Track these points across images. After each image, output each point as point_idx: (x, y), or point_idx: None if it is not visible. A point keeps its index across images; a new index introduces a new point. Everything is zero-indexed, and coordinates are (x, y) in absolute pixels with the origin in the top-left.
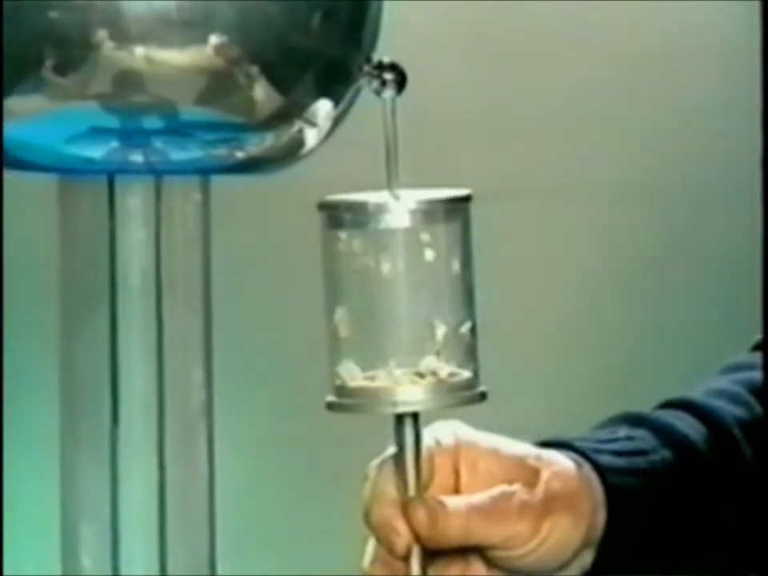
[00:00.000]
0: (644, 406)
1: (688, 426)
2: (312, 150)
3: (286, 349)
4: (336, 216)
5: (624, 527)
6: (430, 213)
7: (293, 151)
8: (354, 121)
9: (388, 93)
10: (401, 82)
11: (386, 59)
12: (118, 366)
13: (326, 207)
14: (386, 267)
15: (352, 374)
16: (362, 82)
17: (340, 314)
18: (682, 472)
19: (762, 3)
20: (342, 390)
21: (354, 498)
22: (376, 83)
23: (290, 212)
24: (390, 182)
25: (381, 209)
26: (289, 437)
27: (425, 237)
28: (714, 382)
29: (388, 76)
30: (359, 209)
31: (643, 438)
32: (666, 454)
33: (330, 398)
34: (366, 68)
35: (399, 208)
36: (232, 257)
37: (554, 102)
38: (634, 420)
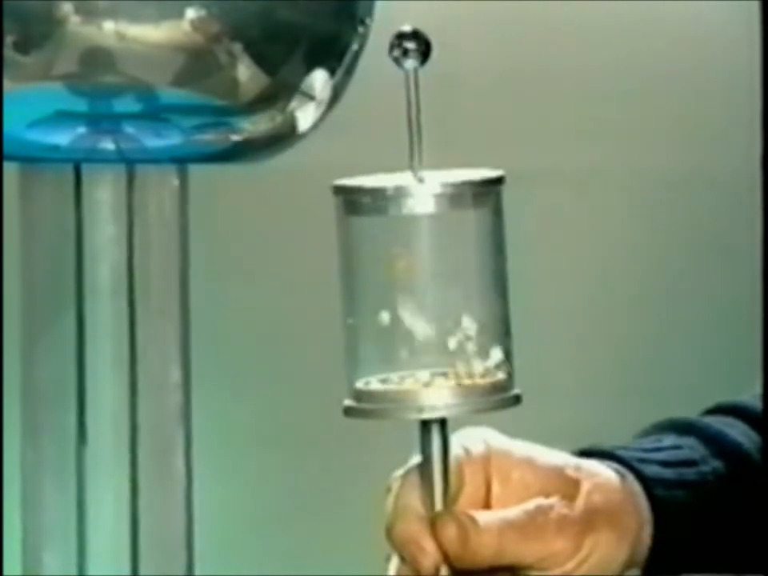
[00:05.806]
0: (682, 408)
1: (740, 433)
2: (307, 132)
3: (275, 361)
4: (353, 201)
5: (672, 545)
6: (458, 197)
7: (283, 136)
8: (358, 98)
9: (410, 63)
10: (424, 51)
11: (408, 27)
12: (85, 376)
13: (341, 191)
14: (408, 258)
15: (372, 375)
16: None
17: (359, 309)
18: (735, 484)
19: (762, 3)
20: (361, 394)
21: (372, 512)
22: (397, 52)
23: (281, 204)
24: (413, 162)
25: (403, 193)
26: (288, 446)
27: (452, 223)
28: None
29: (410, 45)
30: (379, 193)
31: (692, 447)
32: (716, 464)
33: (348, 401)
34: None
35: (423, 192)
36: (212, 255)
37: (593, 75)
38: (682, 427)
